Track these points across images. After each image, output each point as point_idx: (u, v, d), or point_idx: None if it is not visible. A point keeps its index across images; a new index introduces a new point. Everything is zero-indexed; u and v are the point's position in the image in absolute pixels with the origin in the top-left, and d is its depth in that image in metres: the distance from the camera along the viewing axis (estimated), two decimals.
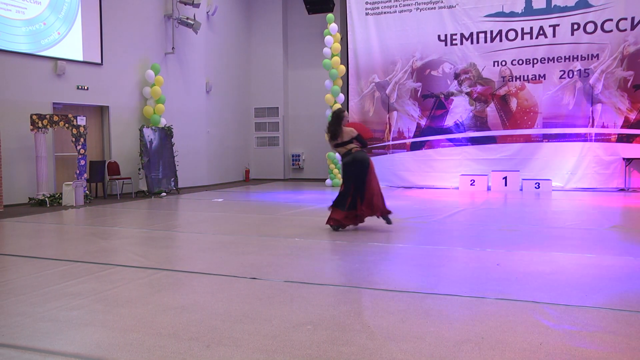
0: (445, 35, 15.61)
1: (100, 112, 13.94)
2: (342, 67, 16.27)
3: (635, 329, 3.67)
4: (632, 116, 14.13)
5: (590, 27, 14.37)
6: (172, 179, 14.52)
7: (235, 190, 15.41)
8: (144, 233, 8.12)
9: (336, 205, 7.91)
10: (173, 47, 15.62)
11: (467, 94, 15.45)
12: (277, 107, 19.51)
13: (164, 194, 13.93)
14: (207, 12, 17.04)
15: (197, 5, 15.46)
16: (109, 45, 13.70)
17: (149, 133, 13.97)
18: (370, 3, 16.30)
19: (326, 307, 4.17)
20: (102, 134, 14.01)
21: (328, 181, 16.42)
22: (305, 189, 15.37)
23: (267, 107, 19.65)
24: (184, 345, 3.42)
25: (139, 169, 14.04)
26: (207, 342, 3.45)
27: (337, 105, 16.21)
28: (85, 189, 12.23)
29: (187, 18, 15.47)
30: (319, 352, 3.28)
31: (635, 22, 13.98)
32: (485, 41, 15.26)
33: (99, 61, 13.49)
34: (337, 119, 7.99)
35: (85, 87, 13.08)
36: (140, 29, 14.70)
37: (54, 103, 12.50)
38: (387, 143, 16.25)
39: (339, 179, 16.32)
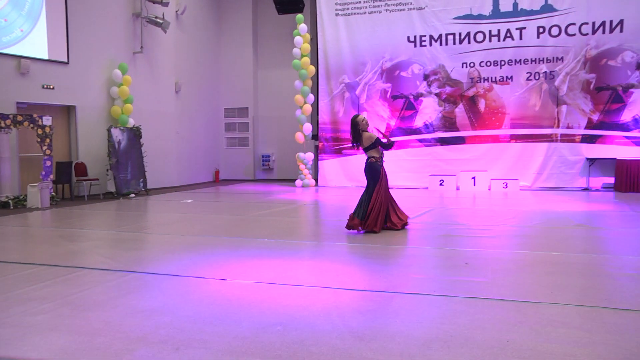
0: (415, 37, 15.75)
1: (67, 112, 13.69)
2: (312, 68, 16.29)
3: (596, 324, 3.77)
4: (595, 117, 14.48)
5: (555, 31, 14.68)
6: (141, 180, 14.35)
7: (205, 191, 15.31)
8: (113, 235, 8.01)
9: (354, 211, 7.92)
10: (141, 47, 15.43)
11: (436, 94, 15.62)
12: (247, 108, 19.43)
13: (133, 195, 13.75)
14: (177, 11, 16.89)
15: (166, 4, 15.31)
16: (76, 44, 13.47)
17: (117, 133, 13.78)
18: (340, 4, 16.35)
19: (296, 308, 4.18)
20: (69, 134, 13.77)
21: (298, 182, 16.42)
22: (276, 190, 15.35)
23: (237, 107, 19.56)
24: (152, 348, 3.39)
25: (107, 170, 13.84)
26: (177, 345, 3.43)
27: (307, 106, 16.23)
28: (52, 190, 12.00)
29: (156, 17, 15.31)
30: (289, 353, 3.29)
31: (596, 27, 14.36)
32: (454, 43, 15.45)
33: (65, 60, 13.25)
34: (353, 125, 8.01)
35: (51, 87, 12.84)
36: (108, 28, 14.49)
37: (17, 102, 12.22)
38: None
39: (308, 180, 16.35)
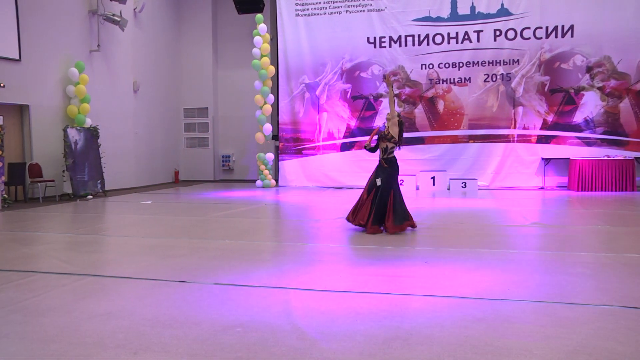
0: (374, 38, 15.88)
1: (20, 111, 13.30)
2: (272, 68, 16.25)
3: (550, 319, 3.89)
4: (550, 118, 14.88)
5: (511, 34, 15.03)
6: (99, 181, 14.06)
7: (165, 192, 15.11)
8: (69, 237, 7.83)
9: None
10: (98, 45, 15.11)
11: (395, 95, 15.77)
12: (207, 108, 19.25)
13: (90, 196, 13.47)
14: (134, 9, 16.60)
15: (124, 2, 15.02)
16: (28, 41, 13.09)
17: (73, 133, 13.47)
18: (300, 4, 16.36)
19: (256, 309, 4.17)
20: (22, 134, 13.38)
21: (258, 182, 16.35)
22: (236, 191, 15.25)
23: (197, 107, 19.36)
24: (109, 353, 3.33)
25: (63, 171, 13.50)
26: (135, 349, 3.38)
27: (267, 106, 16.17)
28: (4, 192, 11.65)
29: (113, 15, 15.01)
30: (249, 354, 3.28)
31: (550, 31, 14.78)
32: (413, 44, 15.64)
33: (17, 57, 12.86)
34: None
35: (2, 85, 12.44)
36: (63, 25, 14.12)
37: None
38: (317, 144, 16.37)
39: (269, 180, 16.30)
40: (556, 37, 14.76)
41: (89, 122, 14.22)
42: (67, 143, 13.24)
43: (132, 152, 16.76)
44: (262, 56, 16.11)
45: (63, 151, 13.32)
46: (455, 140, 15.48)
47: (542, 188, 14.78)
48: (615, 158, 13.99)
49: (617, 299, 4.37)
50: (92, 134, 14.09)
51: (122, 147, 16.19)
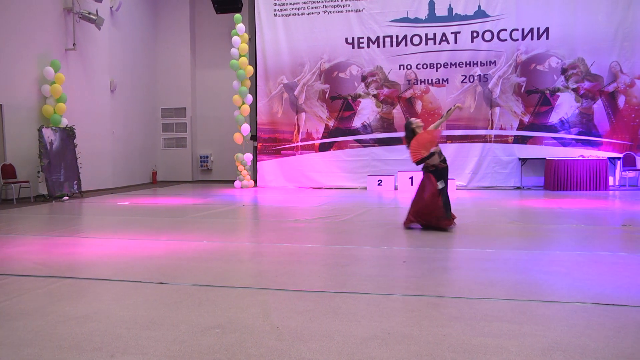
0: (353, 39, 15.93)
1: None
2: (250, 68, 16.20)
3: (526, 316, 3.94)
4: (526, 119, 15.09)
5: (487, 36, 15.21)
6: (75, 182, 13.89)
7: (142, 193, 14.98)
8: (44, 239, 7.72)
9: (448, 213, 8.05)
10: (74, 43, 14.93)
11: (374, 96, 15.85)
12: (185, 108, 19.14)
13: (66, 197, 13.30)
14: (111, 8, 16.44)
15: (100, 0, 14.87)
16: (2, 39, 12.88)
17: (49, 134, 13.28)
18: (278, 4, 16.35)
19: (235, 310, 4.16)
20: None
21: (237, 183, 16.30)
22: (214, 191, 15.18)
23: (175, 107, 19.24)
24: (86, 356, 3.29)
25: (39, 172, 13.31)
26: (112, 352, 3.35)
27: (245, 107, 16.12)
28: None
29: (89, 13, 14.84)
30: (228, 356, 3.27)
31: (525, 33, 15.01)
32: (391, 45, 15.73)
33: None
34: (408, 130, 8.16)
35: None
36: (37, 22, 13.91)
37: None
38: (295, 144, 16.37)
39: (247, 180, 16.26)
40: (532, 39, 14.99)
41: (65, 122, 14.04)
42: (42, 143, 13.06)
43: (109, 153, 16.59)
44: (240, 56, 16.06)
45: (38, 151, 13.14)
46: None
47: (518, 187, 14.98)
48: (589, 158, 14.23)
49: (590, 296, 4.45)
50: (68, 134, 13.92)
51: (99, 148, 16.02)
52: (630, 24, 14.49)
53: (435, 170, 8.00)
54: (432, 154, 7.91)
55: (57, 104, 13.91)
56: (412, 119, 8.18)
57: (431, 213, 7.92)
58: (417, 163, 8.02)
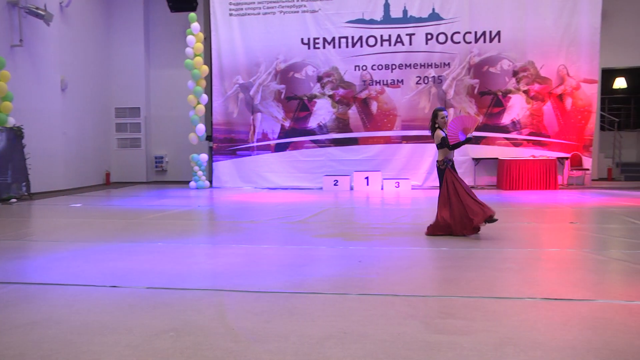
0: (309, 39, 15.96)
1: None
2: (205, 68, 16.03)
3: (479, 313, 4.03)
4: (479, 120, 15.39)
5: (441, 38, 15.47)
6: (24, 184, 13.45)
7: (95, 195, 14.64)
8: None
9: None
10: (21, 40, 14.42)
11: (329, 96, 15.91)
12: (139, 108, 18.80)
13: (14, 200, 12.87)
14: (60, 3, 15.96)
15: None
16: None
17: None
18: (234, 4, 16.24)
19: (190, 312, 4.12)
20: None
21: (192, 183, 16.10)
22: (169, 192, 14.97)
23: (129, 107, 18.87)
24: None
25: None
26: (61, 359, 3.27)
27: (200, 107, 15.94)
28: None
29: (37, 8, 14.35)
30: (183, 359, 3.24)
31: (478, 36, 15.34)
32: (347, 46, 15.82)
33: None
34: (433, 117, 7.53)
35: None
36: None
37: None
38: (251, 144, 16.30)
39: (203, 181, 16.09)
40: (484, 42, 15.32)
41: (12, 122, 13.56)
42: None
43: (61, 153, 16.13)
44: (195, 55, 15.87)
45: None
46: (388, 140, 15.77)
47: (473, 187, 15.25)
48: (539, 158, 14.64)
49: (540, 292, 4.58)
50: (15, 134, 13.46)
51: (50, 148, 15.55)
52: (574, 30, 14.99)
53: (452, 165, 7.59)
54: (469, 140, 7.40)
55: (2, 102, 13.42)
56: (443, 111, 7.53)
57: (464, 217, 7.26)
58: (452, 148, 7.40)
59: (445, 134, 7.38)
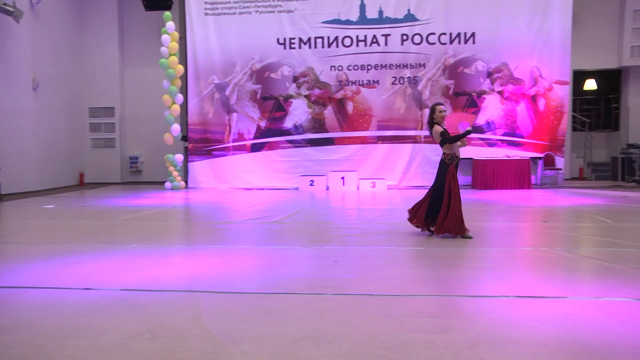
0: (284, 39, 15.94)
1: None
2: (180, 67, 15.89)
3: (454, 311, 4.09)
4: None
5: (417, 39, 15.58)
6: None
7: (68, 196, 14.42)
8: None
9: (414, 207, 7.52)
10: None
11: (305, 96, 15.91)
12: (113, 107, 18.57)
13: None
14: (31, 0, 15.69)
15: None
16: None
17: None
18: (209, 3, 16.15)
19: (165, 314, 4.08)
20: None
21: (168, 184, 15.96)
22: (144, 193, 14.81)
23: (103, 106, 18.62)
24: None
25: None
26: None
27: (176, 106, 15.81)
28: None
29: (5, 4, 14.08)
30: None
31: (453, 37, 15.49)
32: (323, 46, 15.84)
33: None
34: (430, 112, 7.31)
35: None
36: None
37: None
38: (227, 145, 16.22)
39: (178, 182, 15.96)
40: (459, 43, 15.47)
41: None
42: None
43: (32, 154, 15.85)
44: (170, 55, 15.73)
45: None
46: (364, 141, 15.84)
47: None
48: (513, 158, 14.83)
49: (514, 290, 4.65)
50: None
51: (21, 148, 15.27)
52: (547, 33, 15.23)
53: (457, 164, 7.32)
54: (469, 132, 7.21)
55: None
56: (441, 105, 7.33)
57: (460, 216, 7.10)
58: (452, 141, 7.14)
59: (444, 129, 7.21)
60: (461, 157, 7.48)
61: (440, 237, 7.20)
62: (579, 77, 17.93)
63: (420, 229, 7.52)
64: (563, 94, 15.35)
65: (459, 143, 7.26)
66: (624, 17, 16.77)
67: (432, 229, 7.36)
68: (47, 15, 16.54)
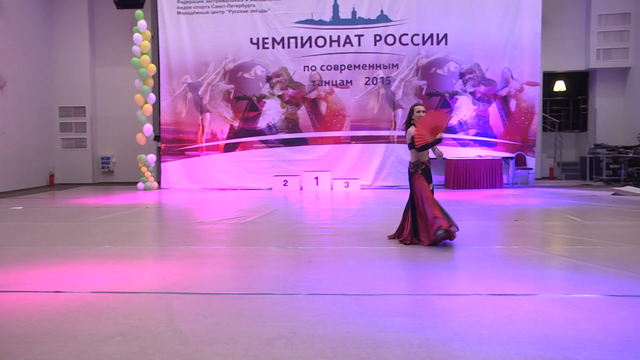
0: (258, 39, 15.88)
1: None
2: (153, 66, 15.73)
3: (427, 310, 4.12)
4: None
5: (390, 40, 15.66)
6: None
7: (38, 197, 14.16)
8: None
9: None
10: None
11: (279, 96, 15.88)
12: (84, 107, 18.30)
13: None
14: None
15: None
16: None
17: None
18: (182, 2, 16.01)
19: (137, 316, 4.04)
20: None
21: (140, 184, 15.78)
22: (116, 193, 14.62)
23: (73, 106, 18.34)
24: None
25: None
26: None
27: (148, 106, 15.64)
28: None
29: None
30: None
31: (426, 38, 15.61)
32: (296, 46, 15.83)
33: None
34: (409, 114, 6.95)
35: None
36: None
37: None
38: (200, 145, 16.10)
39: (151, 182, 15.80)
40: (432, 44, 15.60)
41: None
42: None
43: (0, 154, 15.53)
44: (142, 54, 15.56)
45: None
46: (337, 141, 15.87)
47: None
48: (486, 158, 15.02)
49: (486, 288, 4.70)
50: None
51: None
52: (517, 35, 15.45)
53: (425, 170, 6.97)
54: (439, 140, 6.75)
55: None
56: (420, 105, 6.97)
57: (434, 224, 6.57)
58: (420, 150, 6.77)
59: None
60: (435, 157, 7.29)
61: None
62: (549, 78, 18.24)
63: (407, 244, 6.88)
64: (534, 94, 15.59)
65: (429, 150, 6.97)
66: (590, 21, 17.18)
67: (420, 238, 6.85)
68: (13, 11, 16.22)
